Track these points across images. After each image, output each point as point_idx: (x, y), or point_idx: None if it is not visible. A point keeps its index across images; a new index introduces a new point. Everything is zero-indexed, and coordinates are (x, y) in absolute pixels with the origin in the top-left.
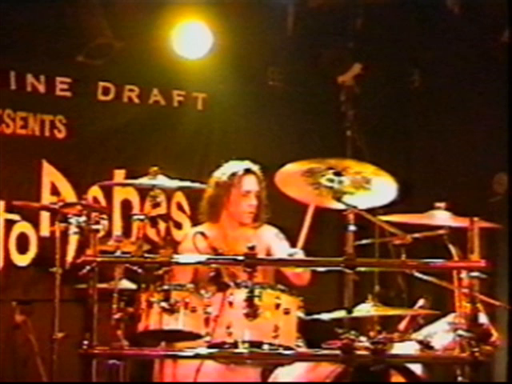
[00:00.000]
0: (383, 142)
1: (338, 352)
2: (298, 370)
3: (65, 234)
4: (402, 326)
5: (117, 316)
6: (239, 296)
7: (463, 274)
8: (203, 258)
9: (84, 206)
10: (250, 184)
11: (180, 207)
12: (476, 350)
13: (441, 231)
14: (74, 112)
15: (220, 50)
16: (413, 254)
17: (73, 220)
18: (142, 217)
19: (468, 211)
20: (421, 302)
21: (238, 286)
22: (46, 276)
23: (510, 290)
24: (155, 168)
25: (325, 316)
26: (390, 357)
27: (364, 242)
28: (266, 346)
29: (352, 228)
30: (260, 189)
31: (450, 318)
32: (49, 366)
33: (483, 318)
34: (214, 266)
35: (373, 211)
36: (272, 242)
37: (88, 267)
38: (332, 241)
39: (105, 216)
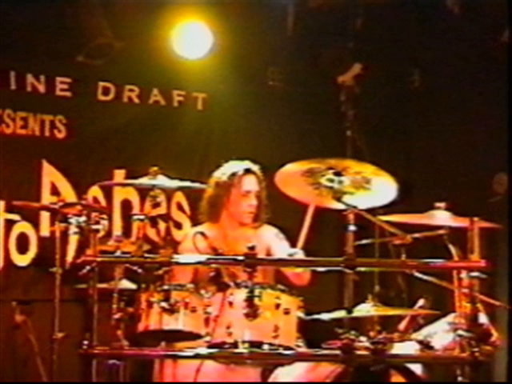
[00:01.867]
0: (383, 142)
1: (338, 352)
2: (297, 370)
3: (65, 234)
4: (401, 326)
5: (117, 316)
6: (239, 296)
7: (463, 274)
8: (203, 258)
9: (84, 205)
10: (250, 184)
11: (180, 207)
12: (476, 349)
13: (441, 231)
14: (74, 112)
15: (220, 50)
16: (413, 254)
17: (73, 220)
18: (142, 217)
19: (468, 211)
20: (421, 302)
21: (238, 286)
22: (46, 276)
23: (510, 290)
24: (155, 168)
25: (325, 316)
26: (390, 357)
27: (364, 242)
28: (266, 346)
29: (352, 228)
30: (260, 189)
31: (450, 318)
32: (49, 366)
33: (483, 318)
34: (214, 265)
35: (373, 211)
36: (272, 241)
37: (88, 267)
38: (332, 241)
39: (105, 216)
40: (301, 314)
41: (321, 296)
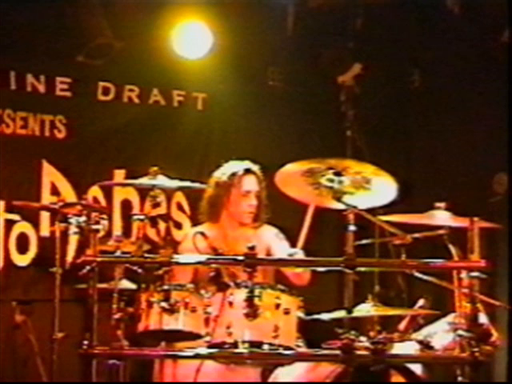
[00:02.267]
0: (383, 142)
1: (338, 352)
2: (297, 370)
3: (65, 234)
4: (401, 326)
5: (117, 316)
6: (239, 296)
7: (463, 274)
8: (203, 258)
9: (84, 205)
10: (250, 184)
11: (180, 207)
12: (476, 349)
13: (441, 231)
14: (74, 112)
15: (220, 50)
16: (413, 254)
17: (73, 220)
18: (142, 217)
19: (468, 211)
20: (421, 302)
21: (238, 286)
22: (46, 276)
23: (510, 290)
24: (155, 168)
25: (325, 316)
26: (390, 357)
27: (364, 242)
28: (266, 346)
29: (352, 228)
30: (260, 189)
31: (450, 318)
32: (49, 366)
33: (483, 318)
34: (214, 266)
35: (373, 211)
36: (272, 241)
37: (88, 267)
38: (332, 241)
39: (105, 216)
40: (301, 314)
41: (321, 296)
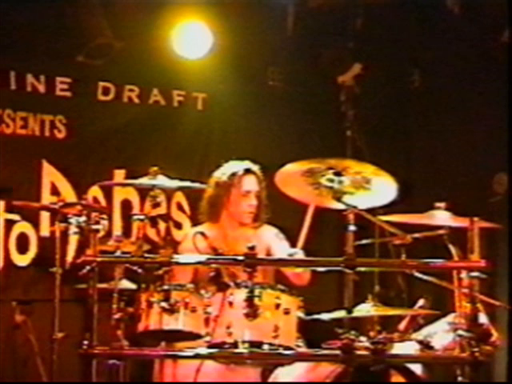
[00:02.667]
0: (383, 142)
1: (338, 352)
2: (297, 370)
3: (65, 234)
4: (401, 326)
5: (117, 316)
6: (239, 296)
7: (463, 274)
8: (203, 258)
9: (84, 205)
10: (250, 184)
11: (180, 207)
12: (476, 349)
13: (441, 231)
14: (74, 112)
15: (220, 50)
16: (413, 254)
17: (73, 220)
18: (142, 217)
19: (468, 211)
20: (421, 302)
21: (238, 286)
22: (46, 276)
23: (510, 290)
24: (155, 168)
25: (325, 316)
26: (390, 357)
27: (364, 242)
28: (266, 346)
29: (352, 228)
30: (260, 189)
31: (450, 318)
32: (49, 366)
33: (483, 318)
34: (214, 265)
35: (373, 211)
36: (272, 241)
37: (88, 267)
38: (332, 241)
39: (105, 216)
40: (301, 314)
41: (321, 296)
